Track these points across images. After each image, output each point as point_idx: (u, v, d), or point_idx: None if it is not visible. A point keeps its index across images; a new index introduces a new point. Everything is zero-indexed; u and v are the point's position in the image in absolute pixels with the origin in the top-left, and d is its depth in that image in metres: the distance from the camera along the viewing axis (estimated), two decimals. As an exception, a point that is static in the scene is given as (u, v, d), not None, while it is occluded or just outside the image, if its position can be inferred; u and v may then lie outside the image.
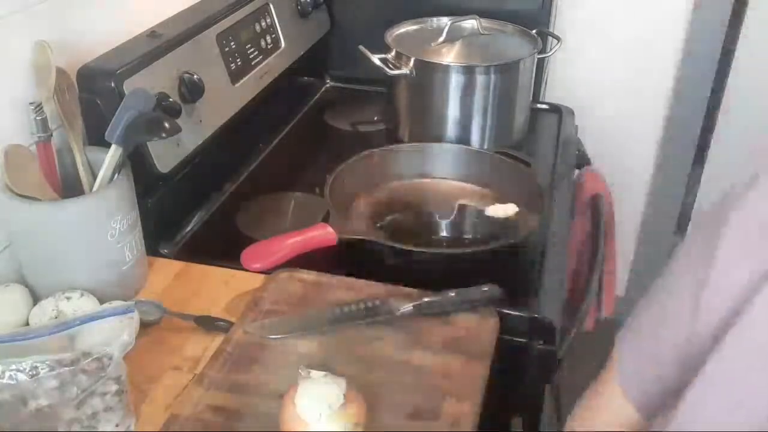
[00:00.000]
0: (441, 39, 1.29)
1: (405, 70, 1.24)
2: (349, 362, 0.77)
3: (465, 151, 1.20)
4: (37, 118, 0.82)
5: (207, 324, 0.84)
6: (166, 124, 0.86)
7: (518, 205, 1.06)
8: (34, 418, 0.64)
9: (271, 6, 1.30)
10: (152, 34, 1.03)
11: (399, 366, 0.77)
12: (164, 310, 0.84)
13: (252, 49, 1.22)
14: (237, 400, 0.72)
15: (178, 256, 0.99)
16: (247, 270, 0.93)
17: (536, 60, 1.31)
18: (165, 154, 0.98)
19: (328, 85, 1.59)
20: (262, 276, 0.91)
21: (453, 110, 1.26)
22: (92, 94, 0.91)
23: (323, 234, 0.94)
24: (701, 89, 1.88)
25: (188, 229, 1.07)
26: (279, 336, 0.80)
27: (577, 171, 1.40)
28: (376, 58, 1.25)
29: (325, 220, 0.99)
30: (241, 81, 1.18)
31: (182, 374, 0.78)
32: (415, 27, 1.37)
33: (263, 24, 1.27)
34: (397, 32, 1.34)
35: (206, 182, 1.15)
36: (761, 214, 0.54)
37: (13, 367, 0.64)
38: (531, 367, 0.90)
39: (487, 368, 0.77)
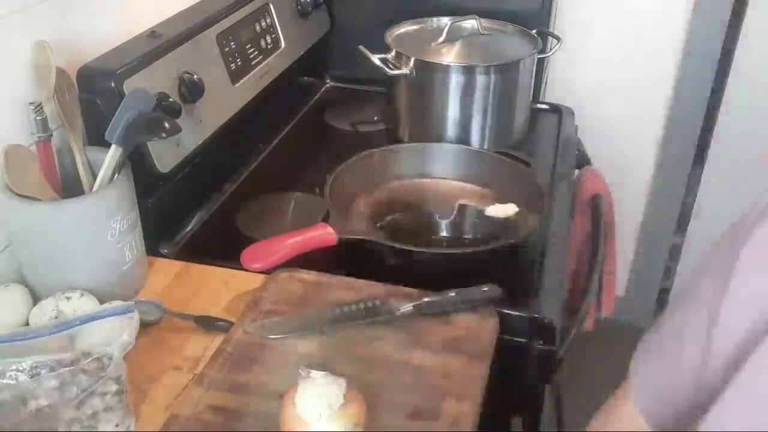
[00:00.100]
0: (441, 39, 1.29)
1: (405, 70, 1.24)
2: (349, 362, 0.77)
3: (465, 151, 1.20)
4: (37, 118, 0.82)
5: (207, 324, 0.84)
6: (166, 124, 0.86)
7: (518, 205, 1.06)
8: (34, 418, 0.64)
9: (271, 6, 1.30)
10: (152, 34, 1.03)
11: (399, 366, 0.77)
12: (164, 310, 0.84)
13: (252, 49, 1.22)
14: (237, 400, 0.72)
15: (178, 256, 0.99)
16: (247, 270, 0.93)
17: (536, 60, 1.31)
18: (165, 154, 0.98)
19: (328, 85, 1.59)
20: (262, 276, 0.91)
21: (453, 110, 1.26)
22: (92, 94, 0.91)
23: (323, 234, 0.94)
24: (701, 89, 1.88)
25: (188, 229, 1.07)
26: (279, 336, 0.80)
27: (577, 171, 1.40)
28: (376, 58, 1.25)
29: (325, 220, 0.99)
30: (241, 81, 1.18)
31: (182, 374, 0.78)
32: (415, 27, 1.37)
33: (263, 24, 1.27)
34: (397, 32, 1.34)
35: (206, 182, 1.15)
36: None
37: (13, 367, 0.64)
38: (531, 367, 0.90)
39: (487, 368, 0.77)
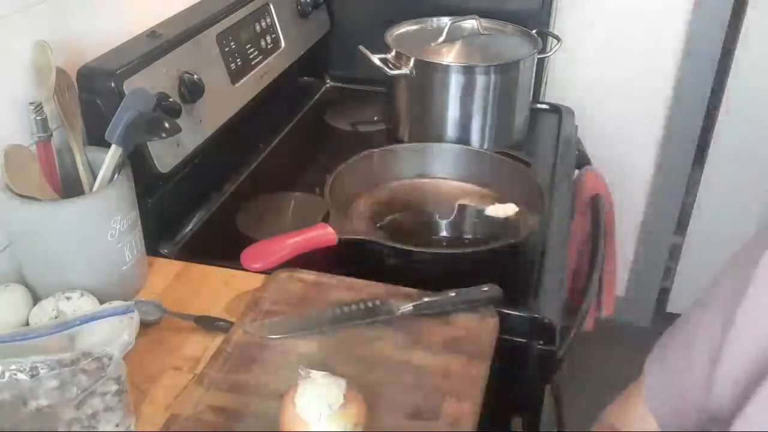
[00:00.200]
0: (441, 39, 1.29)
1: (405, 70, 1.24)
2: (349, 362, 0.77)
3: (465, 151, 1.20)
4: (37, 118, 0.82)
5: (207, 324, 0.84)
6: (166, 124, 0.86)
7: (518, 205, 1.06)
8: (34, 418, 0.64)
9: (271, 6, 1.30)
10: (152, 34, 1.03)
11: (399, 366, 0.77)
12: (164, 310, 0.84)
13: (252, 49, 1.22)
14: (237, 400, 0.72)
15: (178, 256, 0.99)
16: (247, 270, 0.93)
17: (536, 60, 1.31)
18: (165, 154, 0.98)
19: (328, 85, 1.59)
20: (262, 276, 0.91)
21: (453, 110, 1.26)
22: (92, 94, 0.91)
23: (323, 234, 0.94)
24: (701, 89, 1.88)
25: (188, 229, 1.07)
26: (279, 336, 0.80)
27: (577, 171, 1.40)
28: (376, 58, 1.25)
29: (325, 220, 0.99)
30: (241, 81, 1.18)
31: (182, 374, 0.78)
32: (415, 27, 1.37)
33: (263, 24, 1.27)
34: (397, 32, 1.34)
35: (206, 182, 1.15)
36: None
37: (13, 367, 0.64)
38: (531, 367, 0.90)
39: (487, 368, 0.77)
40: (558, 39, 1.38)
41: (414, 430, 0.69)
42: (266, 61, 1.26)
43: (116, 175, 0.85)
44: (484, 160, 1.17)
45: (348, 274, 0.90)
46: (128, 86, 0.91)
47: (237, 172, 1.23)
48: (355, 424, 0.65)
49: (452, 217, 1.07)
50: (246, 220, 1.10)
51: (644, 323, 2.22)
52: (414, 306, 0.83)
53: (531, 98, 1.36)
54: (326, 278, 0.90)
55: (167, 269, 0.95)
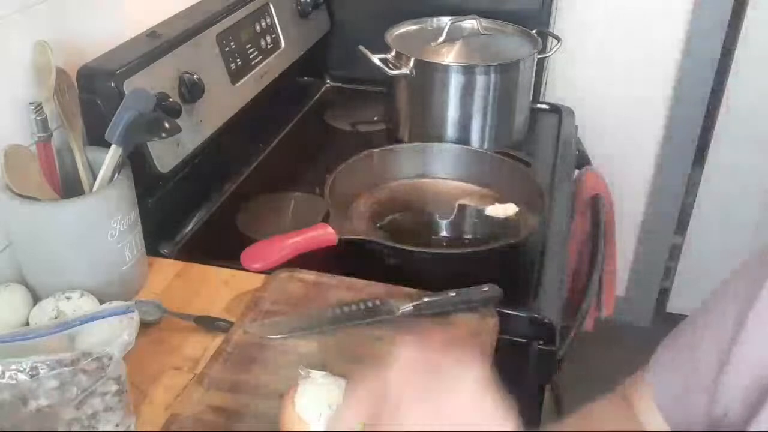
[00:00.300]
0: (441, 39, 1.29)
1: (405, 70, 1.24)
2: (349, 362, 0.77)
3: (465, 151, 1.20)
4: (37, 118, 0.82)
5: (207, 324, 0.84)
6: (166, 124, 0.86)
7: (518, 205, 1.06)
8: (34, 418, 0.64)
9: (271, 6, 1.30)
10: (152, 34, 1.03)
11: (399, 366, 0.77)
12: (164, 310, 0.84)
13: (252, 49, 1.22)
14: (237, 400, 0.72)
15: (178, 256, 0.99)
16: (247, 270, 0.93)
17: (536, 60, 1.31)
18: (165, 154, 0.98)
19: (328, 85, 1.59)
20: (262, 276, 0.91)
21: (453, 110, 1.26)
22: (92, 94, 0.91)
23: (323, 234, 0.94)
24: (701, 89, 1.88)
25: (188, 229, 1.07)
26: (279, 336, 0.80)
27: (577, 171, 1.40)
28: (376, 58, 1.25)
29: (325, 220, 0.99)
30: (241, 81, 1.18)
31: (182, 374, 0.78)
32: (415, 27, 1.37)
33: (263, 24, 1.27)
34: (397, 32, 1.34)
35: (206, 182, 1.15)
36: None
37: (13, 367, 0.64)
38: (531, 367, 0.90)
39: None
40: (558, 39, 1.38)
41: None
42: (266, 61, 1.26)
43: (116, 175, 0.85)
44: (484, 160, 1.17)
45: (348, 274, 0.90)
46: (128, 86, 0.91)
47: (237, 172, 1.23)
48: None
49: (452, 217, 1.07)
50: (246, 220, 1.10)
51: (644, 323, 2.23)
52: (414, 306, 0.83)
53: (531, 98, 1.36)
54: (326, 278, 0.90)
55: (167, 269, 0.95)
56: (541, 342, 0.89)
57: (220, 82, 1.12)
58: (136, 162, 0.89)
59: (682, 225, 2.13)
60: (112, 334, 0.70)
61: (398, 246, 0.93)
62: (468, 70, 1.24)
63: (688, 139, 1.95)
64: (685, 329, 0.62)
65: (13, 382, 0.64)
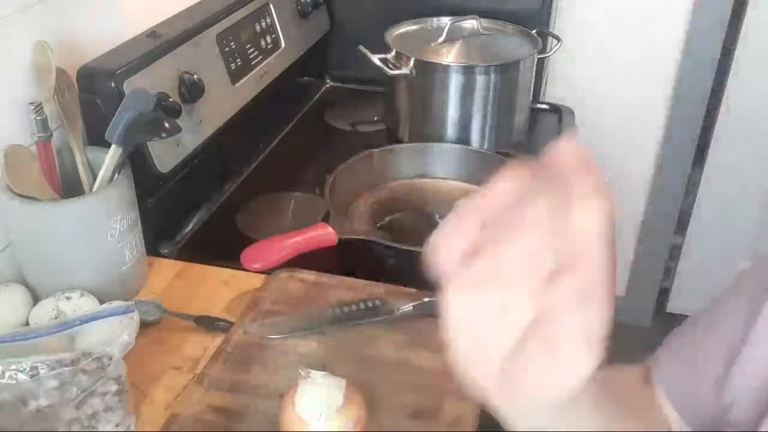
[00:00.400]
0: (441, 39, 1.29)
1: (405, 70, 1.24)
2: (349, 362, 0.77)
3: (465, 151, 1.20)
4: (37, 118, 0.82)
5: (207, 324, 0.84)
6: (166, 124, 0.86)
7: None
8: (34, 418, 0.64)
9: (271, 6, 1.30)
10: (152, 34, 1.03)
11: (399, 366, 0.77)
12: (164, 310, 0.84)
13: (252, 49, 1.22)
14: (237, 400, 0.72)
15: (178, 256, 0.99)
16: (247, 270, 0.93)
17: (536, 60, 1.31)
18: (165, 154, 0.98)
19: (328, 85, 1.59)
20: (262, 276, 0.91)
21: (453, 110, 1.26)
22: (92, 94, 0.91)
23: (323, 234, 0.94)
24: (701, 89, 1.88)
25: (188, 229, 1.07)
26: (279, 336, 0.80)
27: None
28: (376, 58, 1.25)
29: (325, 220, 0.99)
30: (241, 81, 1.18)
31: (182, 374, 0.78)
32: (415, 27, 1.37)
33: (263, 24, 1.27)
34: (397, 32, 1.34)
35: (206, 182, 1.15)
36: None
37: (13, 367, 0.64)
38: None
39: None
40: (558, 39, 1.38)
41: (414, 430, 0.69)
42: (266, 61, 1.26)
43: (116, 175, 0.85)
44: (484, 160, 1.17)
45: (348, 274, 0.90)
46: (128, 86, 0.91)
47: (237, 172, 1.23)
48: (355, 424, 0.65)
49: (452, 217, 1.07)
50: (246, 220, 1.10)
51: (644, 323, 2.22)
52: (414, 306, 0.83)
53: (531, 98, 1.36)
54: (326, 278, 0.90)
55: (167, 269, 0.95)
56: (541, 342, 0.88)
57: (220, 82, 1.12)
58: (136, 162, 0.89)
59: (682, 225, 2.13)
60: (112, 334, 0.70)
61: (398, 246, 0.93)
62: (468, 70, 1.24)
63: (688, 139, 1.95)
64: (686, 330, 0.62)
65: (13, 382, 0.64)
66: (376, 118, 1.44)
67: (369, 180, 1.13)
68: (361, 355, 0.78)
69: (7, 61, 0.84)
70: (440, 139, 1.26)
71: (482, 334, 0.39)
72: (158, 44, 1.00)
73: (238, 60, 1.17)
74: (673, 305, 2.25)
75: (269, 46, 1.28)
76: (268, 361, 0.77)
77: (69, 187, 0.87)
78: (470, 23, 1.34)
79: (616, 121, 1.93)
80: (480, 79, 1.24)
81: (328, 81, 1.60)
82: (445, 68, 1.24)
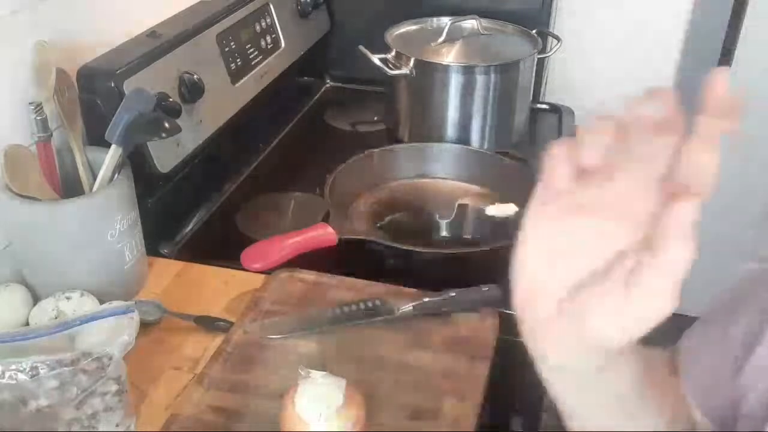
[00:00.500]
0: (441, 39, 1.29)
1: (405, 70, 1.24)
2: (349, 362, 0.77)
3: (465, 151, 1.20)
4: (37, 118, 0.82)
5: (207, 324, 0.84)
6: (166, 124, 0.86)
7: (518, 205, 1.06)
8: (34, 418, 0.64)
9: (271, 6, 1.30)
10: (152, 34, 1.03)
11: (399, 366, 0.77)
12: (164, 310, 0.84)
13: (252, 49, 1.22)
14: (237, 400, 0.72)
15: (178, 256, 0.99)
16: (247, 270, 0.93)
17: (536, 60, 1.31)
18: (165, 154, 0.98)
19: (328, 85, 1.59)
20: (262, 276, 0.91)
21: (453, 110, 1.26)
22: (92, 94, 0.91)
23: (323, 234, 0.94)
24: (701, 89, 1.87)
25: (188, 229, 1.07)
26: (279, 336, 0.80)
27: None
28: (376, 58, 1.25)
29: (325, 220, 0.99)
30: (241, 81, 1.18)
31: (182, 374, 0.78)
32: (415, 27, 1.37)
33: (263, 24, 1.27)
34: (397, 32, 1.34)
35: (206, 182, 1.15)
36: None
37: (13, 367, 0.64)
38: (531, 367, 0.90)
39: (488, 368, 0.77)
40: (558, 39, 1.38)
41: (414, 430, 0.69)
42: (266, 61, 1.26)
43: (116, 175, 0.85)
44: (484, 160, 1.17)
45: (348, 274, 0.90)
46: (128, 86, 0.91)
47: (237, 172, 1.22)
48: (354, 424, 0.65)
49: (452, 217, 1.07)
50: (246, 220, 1.10)
51: (644, 323, 2.22)
52: (414, 306, 0.83)
53: (531, 98, 1.36)
54: (326, 278, 0.90)
55: (167, 269, 0.95)
56: (541, 342, 0.88)
57: (220, 82, 1.12)
58: (136, 162, 0.89)
59: (682, 225, 2.13)
60: (112, 334, 0.70)
61: (398, 246, 0.93)
62: (468, 70, 1.24)
63: (688, 139, 1.95)
64: (719, 306, 0.60)
65: (13, 382, 0.64)
66: (376, 118, 1.44)
67: (369, 180, 1.13)
68: (361, 355, 0.78)
69: (7, 61, 0.84)
70: (440, 139, 1.26)
71: (558, 261, 0.36)
72: (158, 44, 1.00)
73: (238, 60, 1.17)
74: (673, 305, 2.25)
75: (269, 46, 1.28)
76: (268, 361, 0.77)
77: (69, 187, 0.87)
78: (470, 23, 1.34)
79: (616, 121, 1.93)
80: (480, 79, 1.24)
81: (328, 81, 1.60)
82: (445, 68, 1.24)
